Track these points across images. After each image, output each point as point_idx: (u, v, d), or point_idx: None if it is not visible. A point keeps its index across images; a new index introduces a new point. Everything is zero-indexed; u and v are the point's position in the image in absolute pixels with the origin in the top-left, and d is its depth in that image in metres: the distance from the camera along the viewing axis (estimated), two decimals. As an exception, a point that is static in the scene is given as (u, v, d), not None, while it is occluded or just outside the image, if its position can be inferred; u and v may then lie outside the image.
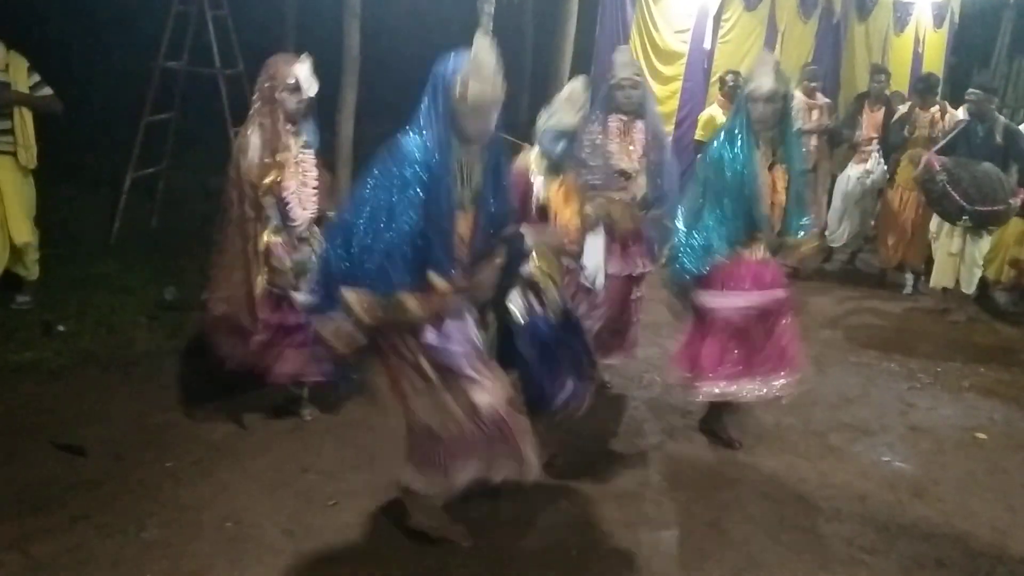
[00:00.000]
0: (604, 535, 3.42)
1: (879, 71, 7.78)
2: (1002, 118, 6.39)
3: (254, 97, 3.82)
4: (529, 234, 3.10)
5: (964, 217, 6.01)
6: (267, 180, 3.69)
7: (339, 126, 6.34)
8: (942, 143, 6.39)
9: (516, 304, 2.98)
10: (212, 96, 6.53)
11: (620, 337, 4.62)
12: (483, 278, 2.94)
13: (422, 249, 2.69)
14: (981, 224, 6.11)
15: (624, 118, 4.40)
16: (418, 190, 2.64)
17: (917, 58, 10.45)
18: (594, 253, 4.17)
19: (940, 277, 6.57)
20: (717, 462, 4.10)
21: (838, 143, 7.55)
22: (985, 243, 6.36)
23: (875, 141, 7.50)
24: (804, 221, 4.01)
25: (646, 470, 3.98)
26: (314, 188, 3.85)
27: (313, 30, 7.99)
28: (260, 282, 3.74)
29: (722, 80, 7.42)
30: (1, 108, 4.88)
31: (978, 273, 6.44)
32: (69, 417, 4.02)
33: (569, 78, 7.57)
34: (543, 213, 3.82)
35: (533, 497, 3.60)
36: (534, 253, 3.04)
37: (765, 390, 3.91)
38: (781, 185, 3.91)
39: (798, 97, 7.35)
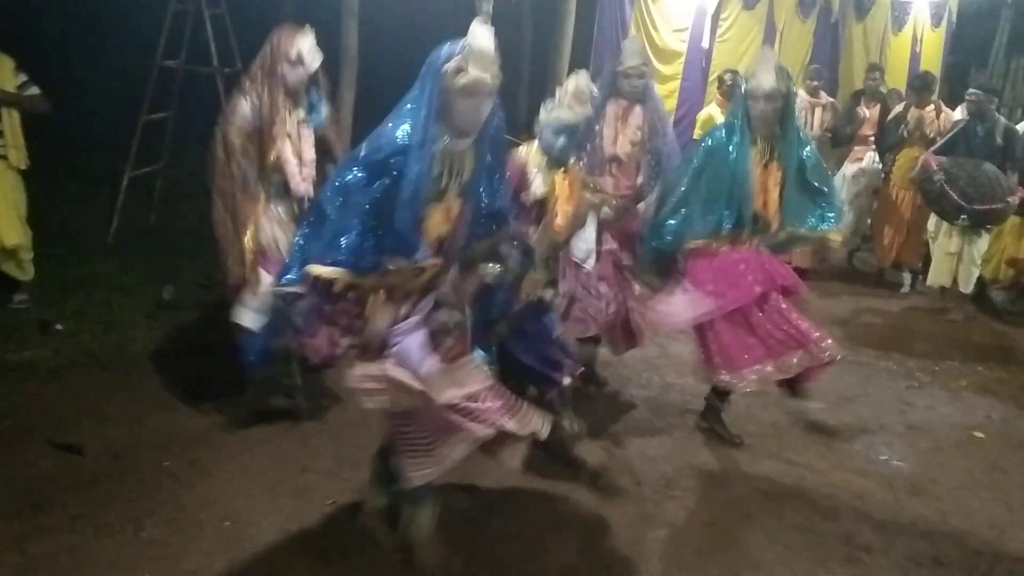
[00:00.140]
0: (602, 534, 3.42)
1: (873, 68, 7.81)
2: (1002, 119, 6.40)
3: (254, 65, 3.82)
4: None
5: (962, 216, 6.02)
6: (270, 157, 3.69)
7: (337, 124, 6.34)
8: (940, 143, 6.40)
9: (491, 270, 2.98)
10: (210, 95, 6.52)
11: (626, 328, 4.59)
12: (463, 287, 2.91)
13: (383, 236, 2.66)
14: (979, 223, 6.12)
15: (623, 103, 4.39)
16: (387, 178, 2.61)
17: (915, 57, 10.44)
18: (585, 236, 4.16)
19: (938, 276, 6.57)
20: (715, 461, 4.10)
21: (840, 143, 7.54)
22: (983, 242, 6.37)
23: (870, 139, 7.52)
24: (830, 214, 4.01)
25: (644, 469, 3.98)
26: (311, 162, 3.85)
27: (311, 28, 7.98)
28: (248, 240, 3.76)
29: (720, 79, 7.42)
30: None
31: (976, 272, 6.46)
32: (67, 416, 4.01)
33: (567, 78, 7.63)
34: (539, 208, 3.77)
35: (531, 497, 3.61)
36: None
37: (795, 365, 3.88)
38: (774, 183, 3.90)
39: (801, 96, 7.36)
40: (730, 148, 3.84)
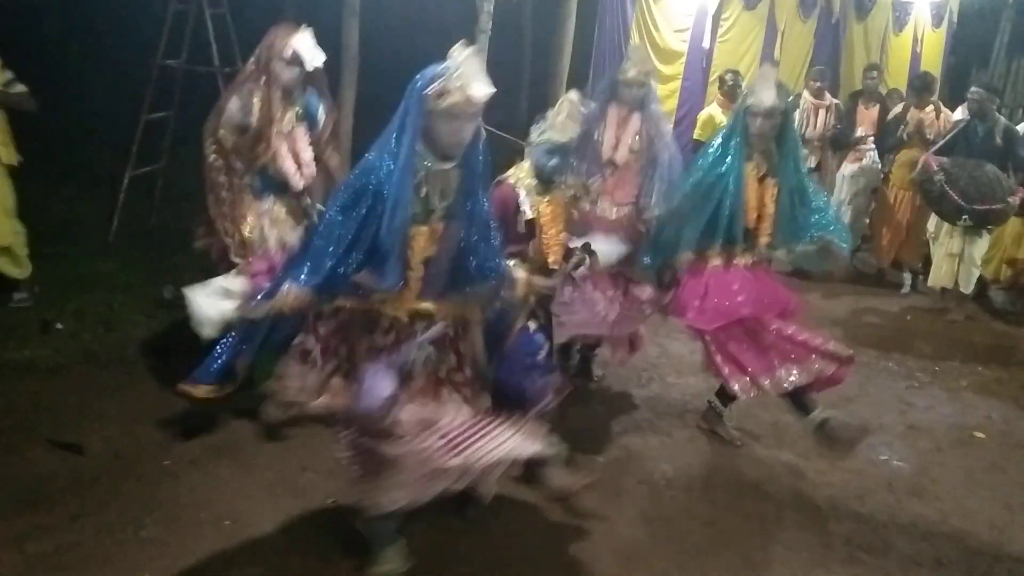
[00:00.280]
0: (603, 533, 3.42)
1: (872, 68, 7.81)
2: (1003, 119, 6.40)
3: (248, 63, 3.83)
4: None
5: (963, 217, 6.01)
6: (263, 156, 3.71)
7: (338, 124, 6.33)
8: (941, 143, 6.40)
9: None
10: (211, 94, 6.51)
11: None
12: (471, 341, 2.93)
13: (364, 260, 2.67)
14: (980, 223, 6.12)
15: (623, 110, 4.41)
16: (373, 200, 2.62)
17: (915, 58, 10.44)
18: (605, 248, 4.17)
19: (938, 277, 6.57)
20: (715, 460, 4.10)
21: (841, 146, 7.54)
22: (983, 243, 6.36)
23: (870, 139, 7.52)
24: (837, 228, 4.01)
25: (644, 468, 3.98)
26: (309, 164, 3.85)
27: (312, 28, 7.99)
28: (247, 231, 3.80)
29: (721, 79, 7.42)
30: None
31: (976, 272, 6.45)
32: (67, 415, 4.01)
33: (568, 77, 7.63)
34: (530, 230, 3.73)
35: (531, 496, 3.60)
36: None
37: (802, 376, 3.87)
38: (770, 199, 3.91)
39: (805, 98, 7.36)
40: (723, 163, 3.86)
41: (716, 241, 3.91)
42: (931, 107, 7.03)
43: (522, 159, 3.84)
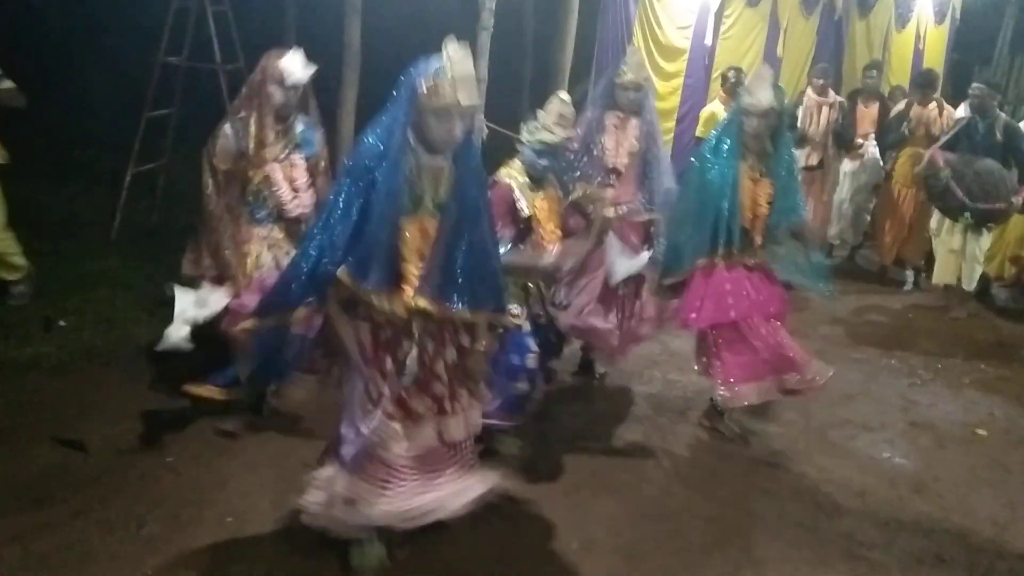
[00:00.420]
0: (605, 530, 3.42)
1: (871, 67, 7.80)
2: (1003, 115, 6.38)
3: (244, 88, 3.83)
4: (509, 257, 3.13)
5: (966, 214, 6.01)
6: (255, 180, 3.71)
7: (340, 122, 6.33)
8: (944, 139, 6.39)
9: None
10: (213, 92, 6.52)
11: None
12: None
13: (364, 251, 2.65)
14: (982, 221, 6.11)
15: (621, 115, 4.44)
16: (365, 186, 2.61)
17: (918, 55, 10.43)
18: (616, 255, 4.20)
19: (941, 274, 6.56)
20: (717, 458, 4.10)
21: (844, 142, 7.53)
22: (986, 240, 6.36)
23: (871, 136, 7.51)
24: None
25: (646, 465, 3.98)
26: (305, 189, 3.86)
27: (314, 25, 7.98)
28: (251, 262, 3.80)
29: (724, 76, 7.41)
30: None
31: (979, 270, 6.45)
32: (70, 412, 4.02)
33: (570, 74, 7.62)
34: (527, 226, 3.77)
35: (534, 492, 3.61)
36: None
37: (784, 386, 3.98)
38: (765, 199, 3.92)
39: (809, 95, 7.35)
40: (718, 165, 3.88)
41: (717, 245, 3.92)
42: (934, 104, 7.02)
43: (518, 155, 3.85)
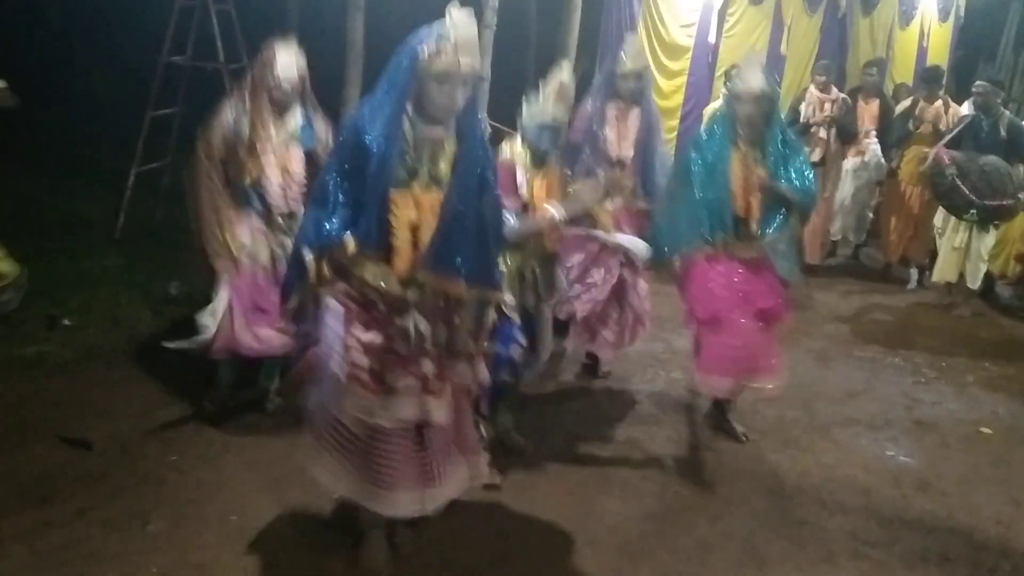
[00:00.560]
0: (607, 528, 3.42)
1: (871, 64, 7.79)
2: (1007, 113, 6.38)
3: (246, 75, 3.86)
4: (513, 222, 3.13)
5: (972, 211, 6.00)
6: (249, 168, 3.72)
7: (343, 119, 6.34)
8: (948, 137, 6.38)
9: None
10: (216, 91, 6.52)
11: (611, 326, 4.63)
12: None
13: (358, 220, 2.60)
14: (988, 219, 6.10)
15: (622, 105, 4.43)
16: (358, 153, 2.57)
17: (922, 52, 10.41)
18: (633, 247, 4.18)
19: (945, 272, 6.55)
20: (721, 456, 4.10)
21: (848, 137, 7.52)
22: (990, 238, 6.35)
23: (872, 133, 7.50)
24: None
25: (649, 464, 3.98)
26: (300, 182, 3.85)
27: (317, 23, 7.98)
28: (236, 245, 3.80)
29: (727, 75, 7.38)
30: None
31: (983, 268, 6.43)
32: (74, 411, 4.02)
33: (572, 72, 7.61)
34: (523, 208, 3.64)
35: (537, 489, 3.61)
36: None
37: (755, 385, 3.98)
38: (758, 187, 3.83)
39: (811, 92, 7.34)
40: (710, 151, 3.84)
41: (708, 232, 3.86)
42: (940, 101, 7.01)
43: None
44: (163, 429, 3.92)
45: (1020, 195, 5.90)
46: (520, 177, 3.56)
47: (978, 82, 6.30)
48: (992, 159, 5.95)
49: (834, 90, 7.48)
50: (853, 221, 7.81)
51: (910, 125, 6.98)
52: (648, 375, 4.96)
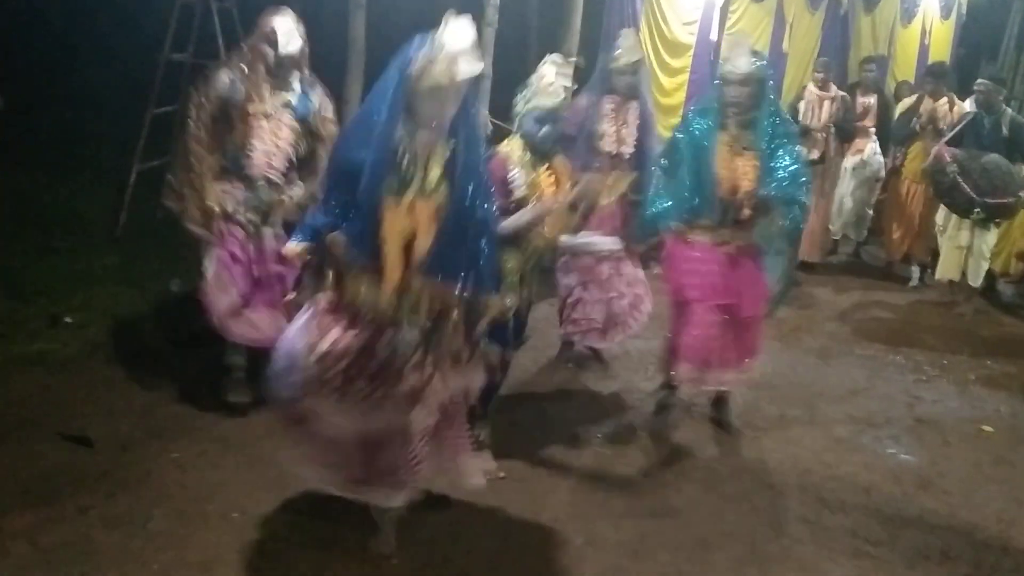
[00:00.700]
0: (608, 525, 3.42)
1: (869, 60, 7.80)
2: (1009, 110, 6.38)
3: (245, 42, 3.87)
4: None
5: (976, 210, 5.99)
6: (240, 131, 3.72)
7: (345, 118, 6.33)
8: (950, 134, 6.38)
9: None
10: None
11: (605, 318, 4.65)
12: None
13: (350, 226, 2.62)
14: (990, 216, 6.10)
15: (617, 100, 4.43)
16: (348, 172, 2.59)
17: (924, 50, 10.38)
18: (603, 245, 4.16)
19: (946, 270, 6.55)
20: (722, 453, 4.10)
21: (845, 136, 7.51)
22: (992, 236, 6.34)
23: (871, 130, 7.49)
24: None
25: (650, 460, 3.98)
26: (286, 150, 3.83)
27: (318, 22, 7.97)
28: (212, 200, 3.80)
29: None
30: None
31: (985, 266, 6.43)
32: (76, 409, 4.02)
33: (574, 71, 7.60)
34: (518, 206, 3.49)
35: (537, 487, 3.61)
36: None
37: (729, 378, 4.01)
38: (748, 172, 3.76)
39: (810, 89, 7.33)
40: (698, 129, 3.82)
41: (690, 213, 3.84)
42: (945, 99, 7.00)
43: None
44: (164, 427, 3.91)
45: (1022, 193, 5.89)
46: (513, 174, 3.45)
47: (980, 80, 6.30)
48: (994, 157, 5.94)
49: (833, 88, 7.47)
50: (853, 219, 7.81)
51: (914, 123, 6.97)
52: (648, 374, 4.95)
